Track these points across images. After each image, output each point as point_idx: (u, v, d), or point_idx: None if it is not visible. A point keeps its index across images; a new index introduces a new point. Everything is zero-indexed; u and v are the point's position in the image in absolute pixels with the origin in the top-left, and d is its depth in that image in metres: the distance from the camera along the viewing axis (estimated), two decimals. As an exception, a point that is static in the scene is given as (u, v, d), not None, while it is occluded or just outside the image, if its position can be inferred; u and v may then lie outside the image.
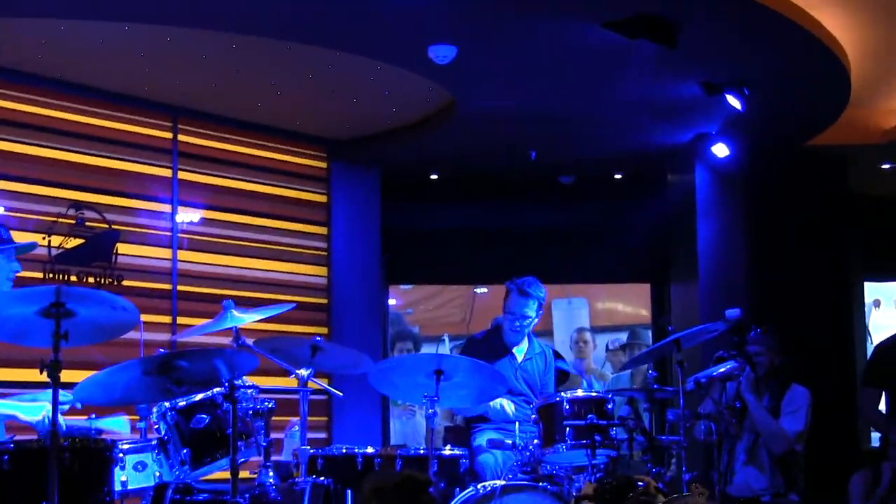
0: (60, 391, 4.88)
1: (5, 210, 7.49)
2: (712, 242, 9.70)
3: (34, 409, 5.39)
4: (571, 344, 11.89)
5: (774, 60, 7.82)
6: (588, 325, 12.74)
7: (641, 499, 3.66)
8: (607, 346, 12.31)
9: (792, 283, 9.47)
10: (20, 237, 7.02)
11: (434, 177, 10.73)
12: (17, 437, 5.13)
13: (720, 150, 9.29)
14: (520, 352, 7.47)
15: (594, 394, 6.41)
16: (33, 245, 6.32)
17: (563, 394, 6.42)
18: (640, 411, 6.66)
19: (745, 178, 9.60)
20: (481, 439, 7.04)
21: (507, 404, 7.18)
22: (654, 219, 10.52)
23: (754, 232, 9.65)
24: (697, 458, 7.33)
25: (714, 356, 6.66)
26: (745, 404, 6.87)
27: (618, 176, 10.84)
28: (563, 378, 8.21)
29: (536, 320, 7.45)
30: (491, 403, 7.11)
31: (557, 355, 8.22)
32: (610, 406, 6.34)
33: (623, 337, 12.25)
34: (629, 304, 13.22)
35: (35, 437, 5.26)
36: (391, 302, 11.89)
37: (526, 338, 7.52)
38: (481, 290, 13.11)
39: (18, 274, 5.78)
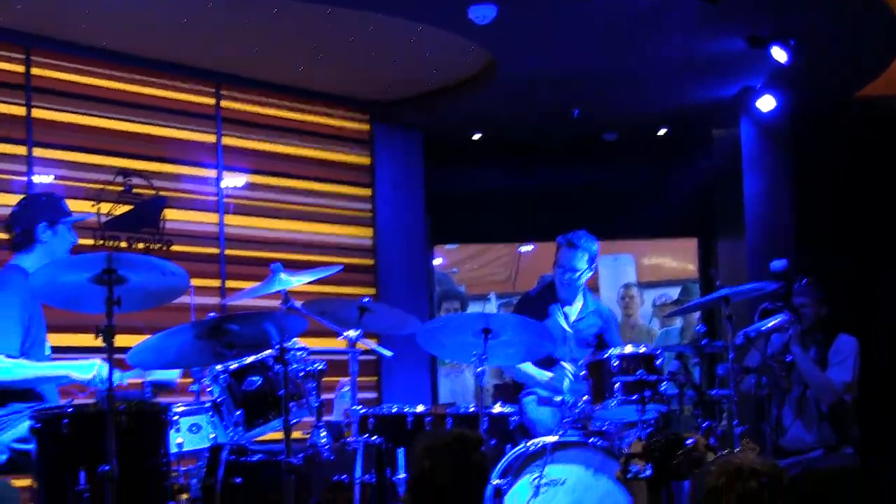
0: (117, 373, 4.98)
1: (55, 179, 7.55)
2: (759, 196, 9.65)
3: (86, 368, 5.48)
4: (618, 300, 11.88)
5: (820, 10, 7.73)
6: (635, 281, 12.71)
7: (691, 456, 3.66)
8: (654, 301, 12.30)
9: (840, 235, 9.41)
10: (69, 205, 7.13)
11: (477, 137, 10.71)
12: (76, 402, 5.21)
13: (766, 103, 9.23)
14: (573, 310, 7.36)
15: (643, 349, 6.41)
16: (90, 216, 6.41)
17: (611, 350, 6.42)
18: (689, 366, 6.64)
19: (791, 130, 9.54)
20: (532, 395, 7.05)
21: (543, 375, 7.09)
22: (699, 174, 10.48)
23: (801, 185, 9.59)
24: (748, 411, 7.31)
25: (759, 308, 6.64)
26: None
27: (662, 132, 10.78)
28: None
29: (589, 274, 7.33)
30: (528, 371, 7.08)
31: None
32: (659, 361, 6.33)
33: (671, 293, 12.22)
34: (676, 259, 13.17)
35: (91, 401, 5.34)
36: (436, 262, 11.91)
37: (581, 295, 7.40)
38: (526, 248, 13.11)
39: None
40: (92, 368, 5.44)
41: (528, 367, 7.03)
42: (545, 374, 7.03)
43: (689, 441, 3.96)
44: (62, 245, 5.75)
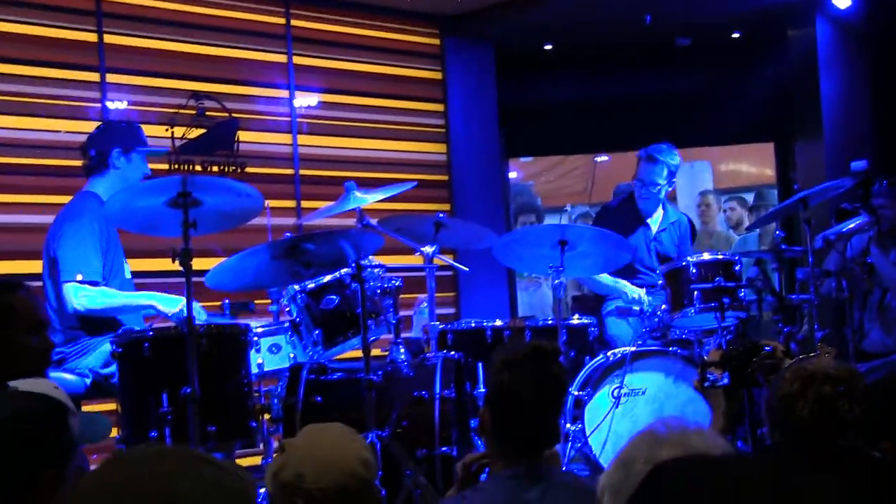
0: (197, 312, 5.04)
1: (128, 104, 7.60)
2: (836, 97, 9.46)
3: (172, 301, 5.53)
4: (695, 208, 11.77)
5: None
6: (711, 187, 12.58)
7: (766, 362, 3.62)
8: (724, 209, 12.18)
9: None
10: (143, 130, 7.18)
11: (548, 47, 10.59)
12: (156, 325, 5.28)
13: (841, 0, 9.02)
14: (654, 222, 7.30)
15: (721, 256, 6.36)
16: (165, 151, 6.44)
17: (689, 258, 6.38)
18: (768, 272, 6.57)
19: (868, 28, 9.30)
20: (611, 306, 7.02)
21: (625, 286, 7.04)
22: (775, 76, 10.27)
23: (880, 84, 9.37)
24: (829, 315, 7.23)
25: (836, 210, 6.53)
26: (875, 258, 6.75)
27: (736, 35, 10.58)
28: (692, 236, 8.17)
29: (669, 188, 7.25)
30: (607, 283, 7.04)
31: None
32: (738, 268, 6.28)
33: (747, 198, 12.08)
34: (753, 164, 12.99)
35: (173, 324, 5.41)
36: (512, 175, 11.86)
37: (661, 206, 7.32)
38: (602, 158, 13.01)
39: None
40: (177, 303, 5.49)
41: (605, 278, 7.00)
42: (623, 284, 6.99)
43: (767, 348, 3.92)
44: (134, 174, 5.78)
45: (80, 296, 5.47)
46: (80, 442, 2.84)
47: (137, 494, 1.61)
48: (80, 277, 5.47)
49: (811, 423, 3.08)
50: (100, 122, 6.82)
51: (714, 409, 4.04)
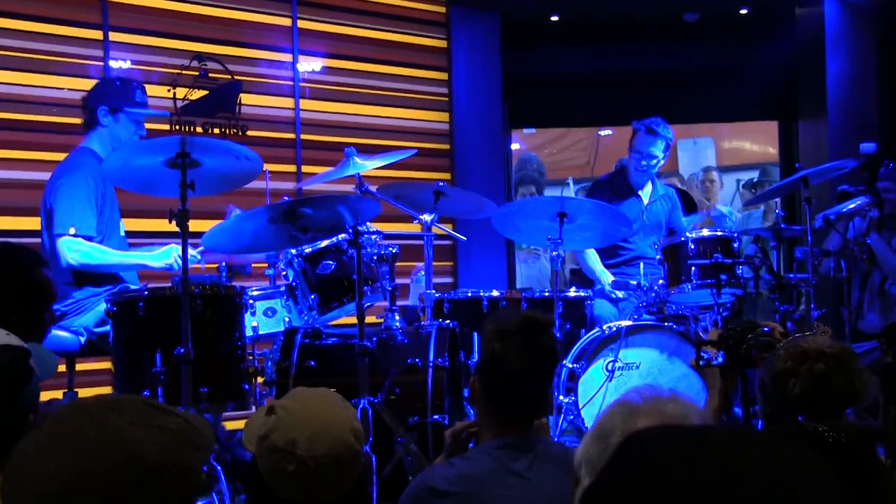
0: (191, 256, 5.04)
1: (131, 63, 7.57)
2: (842, 77, 9.43)
3: (163, 254, 5.54)
4: (698, 184, 11.75)
5: None
6: (715, 164, 12.57)
7: (761, 339, 3.61)
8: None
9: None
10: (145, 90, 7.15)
11: (555, 18, 10.54)
12: (151, 285, 5.27)
13: (851, -22, 8.99)
14: (645, 194, 7.35)
15: (719, 232, 6.35)
16: (165, 114, 6.43)
17: (688, 233, 6.38)
18: (767, 250, 6.58)
19: (877, 8, 9.27)
20: (598, 286, 7.01)
21: (604, 275, 7.08)
22: (781, 55, 10.22)
23: (886, 64, 9.34)
24: (827, 295, 7.24)
25: (837, 190, 6.53)
26: (875, 240, 6.74)
27: (743, 11, 10.52)
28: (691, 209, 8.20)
29: (662, 162, 7.30)
30: (592, 266, 7.08)
31: (681, 193, 8.15)
32: (736, 245, 6.29)
33: (751, 175, 12.08)
34: (756, 142, 12.98)
35: (168, 284, 5.41)
36: (514, 146, 11.83)
37: (650, 181, 7.40)
38: (605, 132, 12.99)
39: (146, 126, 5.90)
40: (169, 254, 5.50)
41: (592, 257, 7.04)
42: (601, 271, 7.02)
43: (765, 328, 3.91)
44: (123, 133, 5.77)
45: (73, 250, 5.48)
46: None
47: (91, 446, 1.60)
48: (73, 231, 5.48)
49: (804, 400, 3.08)
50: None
51: (710, 387, 4.03)
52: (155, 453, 1.60)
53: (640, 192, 7.34)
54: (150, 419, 1.65)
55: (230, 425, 6.13)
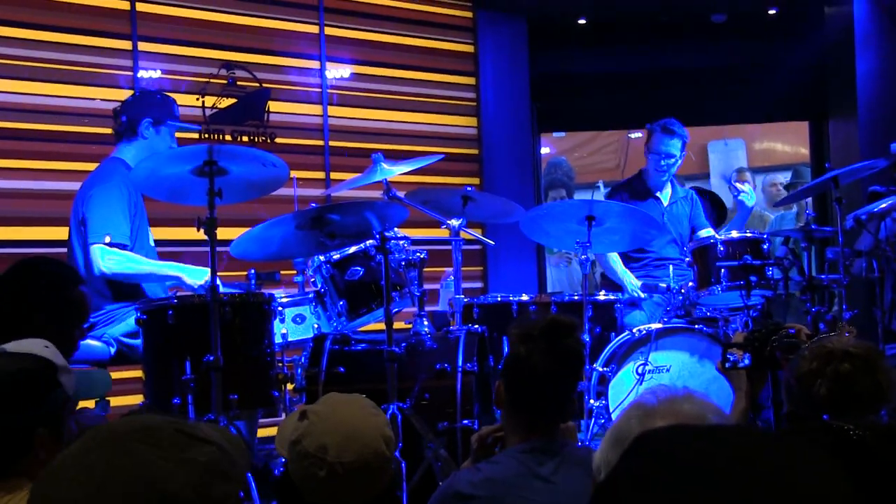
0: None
1: (160, 73, 7.61)
2: (872, 76, 9.37)
3: (198, 273, 5.57)
4: (730, 185, 11.71)
5: None
6: (746, 165, 12.51)
7: (785, 340, 3.59)
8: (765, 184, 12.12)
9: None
10: (174, 98, 7.19)
11: (582, 21, 10.53)
12: (180, 294, 5.30)
13: (880, -23, 8.93)
14: (664, 196, 7.34)
15: (749, 234, 6.33)
16: (197, 128, 6.48)
17: (717, 235, 6.36)
18: (798, 251, 6.54)
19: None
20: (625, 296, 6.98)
21: (627, 276, 7.08)
22: (811, 55, 10.17)
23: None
24: (859, 296, 7.19)
25: (868, 191, 6.49)
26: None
27: (772, 11, 10.48)
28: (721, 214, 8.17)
29: (680, 161, 7.30)
30: (615, 269, 7.08)
31: (703, 193, 8.12)
32: (766, 246, 6.25)
33: (783, 177, 12.01)
34: (788, 143, 12.91)
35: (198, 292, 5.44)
36: (544, 150, 11.82)
37: (669, 183, 7.39)
38: (636, 134, 12.94)
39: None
40: (203, 275, 5.52)
41: (615, 260, 7.04)
42: (625, 273, 7.02)
43: (790, 331, 3.90)
44: (161, 145, 5.83)
45: (108, 259, 5.51)
46: (77, 399, 2.87)
47: (118, 481, 1.57)
48: (108, 239, 5.51)
49: (829, 400, 3.06)
50: (132, 91, 6.86)
51: (736, 390, 4.01)
52: (186, 489, 1.58)
53: (658, 195, 7.33)
54: (182, 451, 1.62)
55: (260, 432, 6.14)
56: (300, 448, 2.59)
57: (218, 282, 4.66)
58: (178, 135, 6.00)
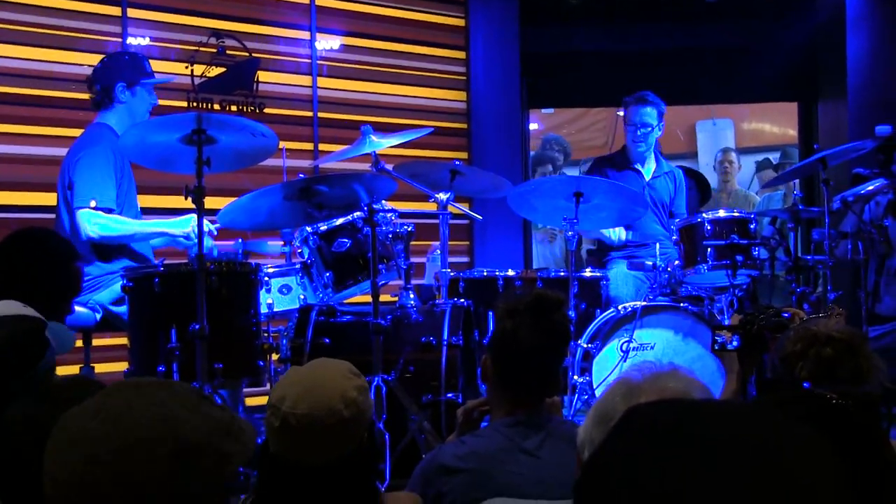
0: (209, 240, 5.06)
1: (149, 40, 7.57)
2: (862, 58, 9.37)
3: (183, 222, 5.56)
4: (716, 165, 11.72)
5: None
6: (733, 145, 12.52)
7: (773, 320, 3.61)
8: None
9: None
10: (163, 66, 7.16)
11: (574, -2, 10.51)
12: (167, 261, 5.29)
13: (872, -40, 8.93)
14: (647, 171, 7.30)
15: (736, 213, 6.34)
16: (171, 79, 6.45)
17: (704, 214, 6.37)
18: (784, 231, 6.55)
19: (898, -12, 9.22)
20: (618, 267, 6.97)
21: (616, 232, 7.07)
22: (801, 35, 10.15)
23: (908, 46, 9.29)
24: (844, 277, 7.21)
25: (852, 173, 6.50)
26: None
27: (764, -9, 10.50)
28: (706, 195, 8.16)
29: (659, 132, 7.26)
30: (605, 231, 7.06)
31: (691, 174, 8.12)
32: (753, 226, 6.26)
33: (771, 158, 12.04)
34: (776, 124, 12.91)
35: (185, 261, 5.43)
36: (533, 126, 11.80)
37: (653, 156, 7.33)
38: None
39: (162, 103, 5.90)
40: (188, 223, 5.52)
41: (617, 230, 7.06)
42: (618, 232, 7.04)
43: (785, 314, 3.91)
44: (141, 106, 5.80)
45: (94, 223, 5.50)
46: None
47: (136, 419, 1.66)
48: (94, 204, 5.50)
49: (810, 383, 3.07)
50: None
51: (728, 372, 4.04)
52: (198, 434, 1.67)
53: (640, 168, 7.27)
54: (198, 405, 1.72)
55: (245, 402, 6.14)
56: (270, 398, 2.63)
57: (208, 241, 4.65)
58: (169, 101, 5.97)
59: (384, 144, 6.09)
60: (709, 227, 6.19)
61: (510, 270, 6.26)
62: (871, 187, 6.38)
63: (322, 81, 8.46)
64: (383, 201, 5.48)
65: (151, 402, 1.68)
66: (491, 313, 5.77)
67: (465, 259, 9.07)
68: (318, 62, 8.47)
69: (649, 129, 7.18)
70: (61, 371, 3.96)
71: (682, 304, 6.19)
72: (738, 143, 12.73)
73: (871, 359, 3.08)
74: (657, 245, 6.62)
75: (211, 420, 1.71)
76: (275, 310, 5.62)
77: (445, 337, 5.33)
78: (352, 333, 5.42)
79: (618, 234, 7.01)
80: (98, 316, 5.50)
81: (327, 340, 5.35)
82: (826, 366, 3.03)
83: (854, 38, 9.37)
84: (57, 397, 2.13)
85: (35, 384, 2.65)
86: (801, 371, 3.06)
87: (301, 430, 2.54)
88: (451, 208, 6.02)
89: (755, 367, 3.89)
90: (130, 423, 1.64)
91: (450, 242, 6.12)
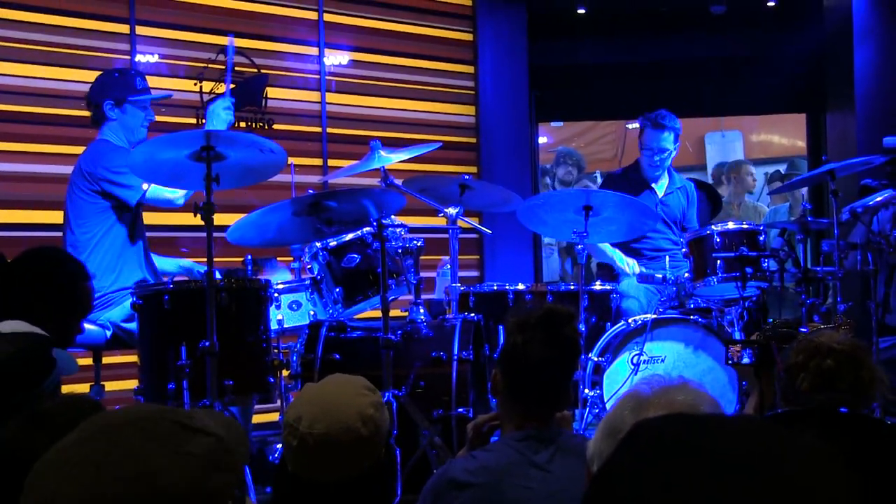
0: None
1: (158, 57, 7.60)
2: (870, 69, 9.36)
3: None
4: (729, 177, 11.71)
5: None
6: (743, 157, 12.52)
7: (780, 330, 3.61)
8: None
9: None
10: (172, 83, 7.18)
11: (581, 11, 10.52)
12: (177, 278, 5.30)
13: (879, -29, 8.93)
14: (660, 187, 7.28)
15: (745, 225, 6.33)
16: (168, 95, 6.45)
17: (713, 226, 6.35)
18: (793, 243, 6.54)
19: (906, -2, 9.21)
20: (628, 282, 6.96)
21: (631, 265, 7.04)
22: (809, 47, 10.15)
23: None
24: (853, 288, 7.19)
25: (860, 185, 6.49)
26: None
27: (771, 3, 10.48)
28: (717, 207, 8.14)
29: (674, 153, 7.25)
30: (609, 253, 7.04)
31: (702, 186, 8.10)
32: (762, 238, 6.25)
33: (779, 169, 12.03)
34: (785, 135, 12.90)
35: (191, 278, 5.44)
36: (542, 140, 11.81)
37: (665, 172, 7.31)
38: (633, 125, 12.92)
39: (171, 120, 5.91)
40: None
41: (608, 248, 7.02)
42: (616, 253, 7.00)
43: (802, 328, 3.90)
44: (133, 122, 5.79)
45: (160, 192, 5.50)
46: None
47: (113, 475, 1.55)
48: (146, 186, 5.49)
49: (810, 395, 3.07)
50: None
51: (752, 388, 4.02)
52: (179, 484, 1.56)
53: (654, 186, 7.25)
54: (178, 445, 1.60)
55: (255, 419, 6.15)
56: (285, 418, 2.63)
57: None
58: (178, 118, 5.97)
59: (393, 159, 6.10)
60: (718, 240, 6.18)
61: (520, 284, 6.26)
62: (879, 198, 6.37)
63: (331, 97, 8.48)
64: (393, 216, 5.48)
65: (127, 452, 1.56)
66: (501, 327, 5.77)
67: (475, 273, 9.07)
68: (327, 78, 8.48)
69: (665, 153, 7.15)
70: (71, 388, 3.97)
71: (691, 317, 6.19)
72: (747, 155, 12.72)
73: (873, 371, 3.08)
74: (667, 258, 6.62)
75: (193, 461, 1.59)
76: (285, 326, 5.61)
77: (456, 352, 5.33)
78: (362, 349, 5.42)
79: (632, 267, 6.97)
80: (108, 333, 5.50)
81: (338, 356, 5.35)
82: (826, 377, 3.03)
83: (861, 48, 9.36)
84: (49, 422, 2.07)
85: (35, 402, 2.65)
86: (801, 382, 3.06)
87: (319, 450, 2.54)
88: (460, 223, 6.03)
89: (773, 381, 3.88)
90: (106, 486, 1.53)
91: (460, 257, 6.12)
